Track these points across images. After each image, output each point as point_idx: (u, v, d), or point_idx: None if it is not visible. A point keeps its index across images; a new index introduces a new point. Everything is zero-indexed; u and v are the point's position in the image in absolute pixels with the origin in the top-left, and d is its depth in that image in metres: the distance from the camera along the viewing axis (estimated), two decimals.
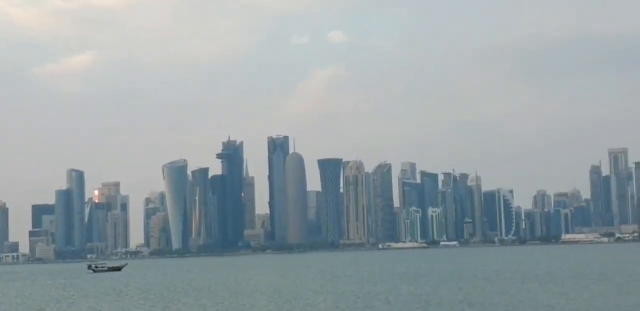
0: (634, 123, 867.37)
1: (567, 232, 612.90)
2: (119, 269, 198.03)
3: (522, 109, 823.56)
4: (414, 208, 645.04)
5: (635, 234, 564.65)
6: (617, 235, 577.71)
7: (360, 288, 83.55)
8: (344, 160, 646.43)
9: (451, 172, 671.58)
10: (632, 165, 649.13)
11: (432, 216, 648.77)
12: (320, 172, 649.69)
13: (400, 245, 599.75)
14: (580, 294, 63.80)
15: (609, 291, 66.19)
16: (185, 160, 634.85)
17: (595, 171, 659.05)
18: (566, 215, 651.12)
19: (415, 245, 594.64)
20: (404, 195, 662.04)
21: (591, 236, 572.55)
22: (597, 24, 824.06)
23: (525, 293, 66.44)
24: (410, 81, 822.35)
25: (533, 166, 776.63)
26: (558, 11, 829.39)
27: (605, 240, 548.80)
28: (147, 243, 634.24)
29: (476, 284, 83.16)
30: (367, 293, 74.83)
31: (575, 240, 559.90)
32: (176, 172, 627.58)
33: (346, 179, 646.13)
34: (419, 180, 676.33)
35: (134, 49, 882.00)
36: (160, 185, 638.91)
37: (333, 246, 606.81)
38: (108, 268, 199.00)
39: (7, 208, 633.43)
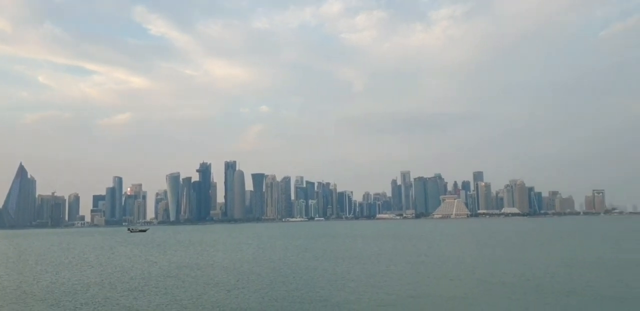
0: (414, 158, 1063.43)
1: (379, 213, 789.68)
2: (144, 231, 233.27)
3: (358, 149, 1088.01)
4: (301, 200, 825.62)
5: (413, 214, 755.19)
6: (404, 215, 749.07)
7: (271, 241, 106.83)
8: (265, 174, 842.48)
9: (321, 181, 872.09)
10: (412, 180, 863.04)
11: (311, 204, 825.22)
12: (253, 180, 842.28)
13: (294, 219, 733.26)
14: (376, 241, 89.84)
15: (391, 240, 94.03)
16: (178, 172, 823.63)
17: (394, 182, 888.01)
18: (379, 204, 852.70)
19: (302, 219, 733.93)
20: (296, 193, 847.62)
21: (391, 216, 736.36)
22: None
23: (351, 241, 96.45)
24: (299, 133, 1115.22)
25: (362, 179, 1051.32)
26: (381, 98, 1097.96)
27: (398, 217, 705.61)
28: (157, 217, 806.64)
29: (330, 239, 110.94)
30: (272, 243, 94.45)
31: (383, 217, 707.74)
32: (173, 178, 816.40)
33: (266, 184, 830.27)
34: (305, 185, 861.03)
35: (151, 111, 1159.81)
36: (164, 185, 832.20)
37: (258, 220, 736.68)
38: (139, 230, 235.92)
39: (79, 196, 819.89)
